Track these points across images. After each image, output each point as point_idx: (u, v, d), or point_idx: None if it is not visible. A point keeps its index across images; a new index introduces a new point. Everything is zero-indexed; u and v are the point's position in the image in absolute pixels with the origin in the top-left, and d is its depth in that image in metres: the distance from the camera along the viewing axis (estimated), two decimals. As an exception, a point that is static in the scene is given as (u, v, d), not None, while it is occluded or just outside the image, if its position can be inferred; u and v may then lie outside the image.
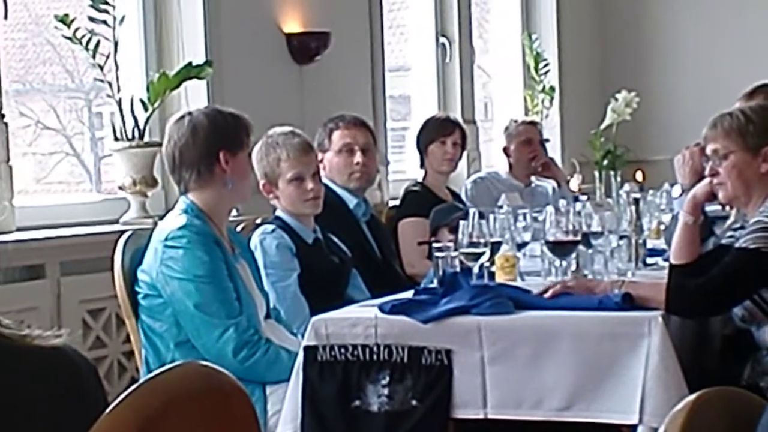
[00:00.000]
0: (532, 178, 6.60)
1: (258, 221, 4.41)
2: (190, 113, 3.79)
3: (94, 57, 4.89)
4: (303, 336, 3.57)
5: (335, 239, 4.52)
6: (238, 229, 4.31)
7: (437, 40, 7.70)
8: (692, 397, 1.26)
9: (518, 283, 3.85)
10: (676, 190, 4.82)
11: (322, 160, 4.89)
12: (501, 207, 4.37)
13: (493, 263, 3.89)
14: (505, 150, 6.61)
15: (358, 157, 4.96)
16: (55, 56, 6.56)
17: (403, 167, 7.47)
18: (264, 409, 3.61)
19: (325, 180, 4.67)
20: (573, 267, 3.89)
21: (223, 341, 3.57)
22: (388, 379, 3.40)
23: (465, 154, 6.18)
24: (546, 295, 3.43)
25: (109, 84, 4.96)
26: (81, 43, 4.86)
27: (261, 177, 4.32)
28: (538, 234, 4.02)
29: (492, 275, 3.86)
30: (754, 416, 1.27)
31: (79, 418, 1.21)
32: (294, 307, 4.12)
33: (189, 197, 3.73)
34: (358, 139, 4.99)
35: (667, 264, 3.78)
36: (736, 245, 3.45)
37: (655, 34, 9.36)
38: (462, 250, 3.72)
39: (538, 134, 6.67)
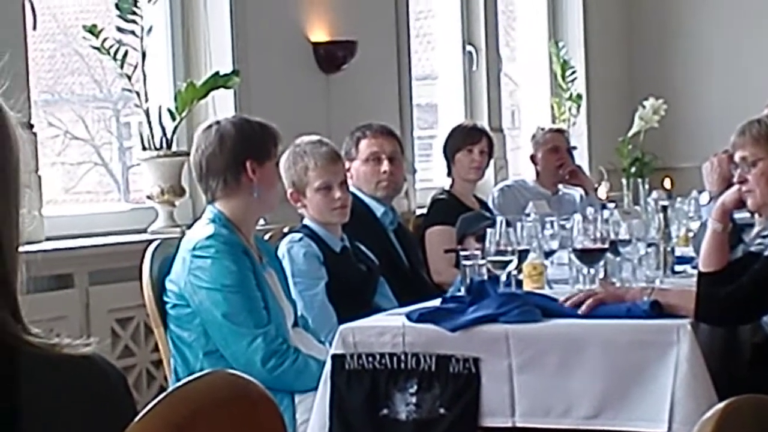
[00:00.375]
0: (560, 185, 6.59)
1: (285, 230, 4.42)
2: (218, 122, 3.80)
3: (122, 67, 4.91)
4: (331, 344, 3.57)
5: (363, 248, 4.52)
6: (266, 237, 4.31)
7: (464, 48, 7.69)
8: (721, 405, 1.25)
9: (546, 291, 3.84)
10: (704, 198, 4.81)
11: (349, 169, 4.89)
12: (528, 215, 4.37)
13: (520, 271, 3.88)
14: (532, 158, 6.60)
15: (385, 166, 4.96)
16: (84, 66, 6.59)
17: (430, 175, 7.46)
18: (292, 417, 3.61)
19: (352, 188, 4.67)
20: (601, 275, 3.88)
21: (251, 350, 3.58)
22: (415, 387, 3.40)
23: (492, 162, 6.17)
24: (581, 311, 3.40)
25: (137, 94, 4.98)
26: (109, 53, 4.88)
27: (288, 186, 4.32)
28: (566, 242, 4.01)
29: (519, 283, 3.85)
30: (784, 424, 1.26)
31: (109, 427, 1.21)
32: (321, 315, 4.13)
33: (216, 206, 3.74)
34: (385, 147, 5.00)
35: (695, 271, 3.76)
36: (766, 253, 3.43)
37: (682, 41, 9.33)
38: (489, 258, 3.72)
39: (565, 142, 6.66)
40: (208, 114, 5.10)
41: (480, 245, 3.93)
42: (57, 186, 6.60)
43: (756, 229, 3.93)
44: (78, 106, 7.01)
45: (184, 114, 5.02)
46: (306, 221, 4.36)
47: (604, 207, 4.70)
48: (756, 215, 3.92)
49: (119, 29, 4.95)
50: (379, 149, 4.99)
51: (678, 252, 4.58)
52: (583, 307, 3.41)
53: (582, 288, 3.69)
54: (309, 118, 5.81)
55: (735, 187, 3.62)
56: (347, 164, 4.83)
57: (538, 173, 6.58)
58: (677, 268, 4.38)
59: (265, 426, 1.23)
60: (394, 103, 6.75)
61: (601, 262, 3.86)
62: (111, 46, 4.89)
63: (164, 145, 5.04)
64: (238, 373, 1.22)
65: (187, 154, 4.53)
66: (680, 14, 9.36)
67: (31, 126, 4.55)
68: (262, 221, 4.50)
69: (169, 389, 1.15)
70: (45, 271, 4.33)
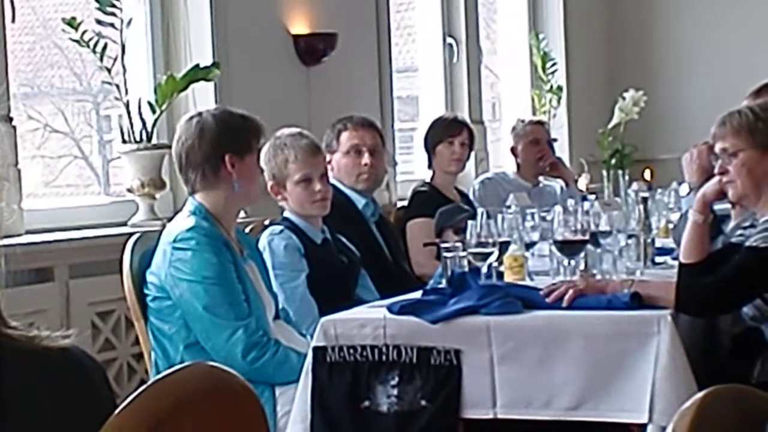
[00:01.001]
0: (540, 177, 6.60)
1: (266, 222, 4.41)
2: (200, 114, 3.79)
3: (101, 60, 4.89)
4: (312, 337, 3.58)
5: (344, 240, 4.52)
6: (247, 230, 4.31)
7: (444, 40, 7.69)
8: (700, 394, 1.25)
9: (527, 282, 3.85)
10: (684, 189, 4.82)
11: (330, 161, 4.89)
12: (509, 207, 4.37)
13: (501, 263, 3.89)
14: (513, 150, 6.61)
15: (366, 158, 4.96)
16: (63, 59, 6.57)
17: (411, 168, 7.47)
18: (273, 410, 3.61)
19: (333, 181, 4.67)
20: (581, 266, 3.89)
21: (232, 343, 3.58)
22: (397, 379, 3.40)
23: (473, 154, 6.17)
24: (564, 304, 3.41)
25: (117, 87, 4.96)
26: (88, 46, 4.86)
27: (269, 178, 4.31)
28: (547, 234, 4.02)
29: (500, 275, 3.86)
30: (764, 414, 1.27)
31: (88, 420, 1.21)
32: (303, 308, 4.12)
33: (197, 198, 3.73)
34: (366, 140, 4.99)
35: (676, 263, 3.77)
36: (747, 244, 3.44)
37: (662, 32, 9.35)
38: (470, 250, 3.72)
39: (545, 134, 6.67)
40: (189, 107, 5.09)
41: (458, 238, 3.93)
42: (37, 179, 6.59)
43: (736, 220, 3.94)
44: (58, 99, 6.99)
45: (164, 107, 5.01)
46: (286, 213, 4.36)
47: (584, 199, 4.72)
48: (736, 206, 3.93)
49: (99, 22, 4.93)
50: (360, 142, 4.99)
51: (658, 243, 4.59)
52: (564, 302, 3.41)
53: (563, 279, 3.69)
54: (289, 110, 5.80)
55: (715, 179, 3.63)
56: (328, 156, 4.83)
57: (518, 165, 6.59)
58: (657, 259, 4.40)
59: (246, 418, 1.23)
60: (374, 95, 6.75)
61: (582, 254, 3.87)
62: (90, 39, 4.87)
63: (144, 138, 5.03)
64: (219, 365, 1.22)
65: (168, 147, 4.52)
66: (660, 7, 9.38)
67: (11, 119, 4.53)
68: (242, 214, 4.50)
69: (150, 382, 1.15)
70: (25, 265, 4.32)
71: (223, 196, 3.72)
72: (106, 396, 1.26)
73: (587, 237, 3.81)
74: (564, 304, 3.40)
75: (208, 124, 3.73)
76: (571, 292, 3.42)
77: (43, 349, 1.23)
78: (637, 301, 3.35)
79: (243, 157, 3.73)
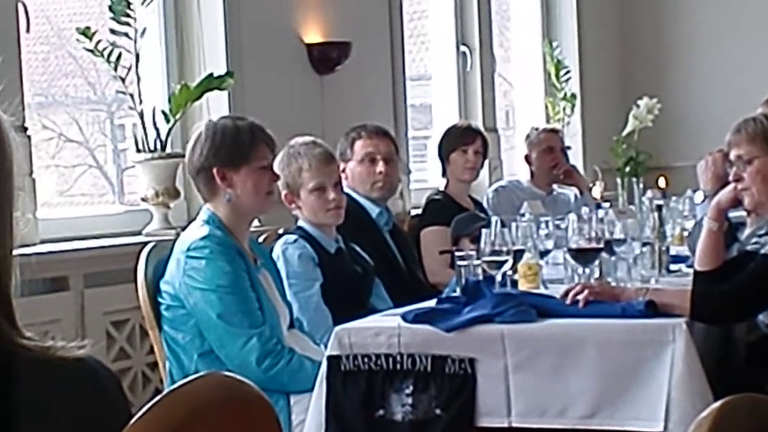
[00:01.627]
0: (554, 185, 6.59)
1: (280, 231, 4.41)
2: (208, 122, 3.82)
3: (115, 69, 4.90)
4: (326, 346, 3.57)
5: (358, 249, 4.52)
6: (261, 239, 4.31)
7: (458, 48, 7.70)
8: (717, 404, 1.25)
9: (541, 290, 3.84)
10: (699, 196, 4.81)
11: (344, 170, 4.89)
12: (523, 215, 4.37)
13: (515, 271, 3.88)
14: (527, 158, 6.61)
15: (380, 167, 4.95)
16: (77, 69, 6.59)
17: (425, 176, 7.46)
18: (288, 418, 3.62)
19: (347, 189, 4.67)
20: (596, 274, 3.88)
21: (246, 351, 3.58)
22: (411, 388, 3.40)
23: (486, 162, 6.17)
24: (580, 305, 3.40)
25: (131, 96, 4.98)
26: (103, 56, 4.87)
27: (283, 187, 4.31)
28: (561, 242, 4.01)
29: (515, 283, 3.85)
30: (781, 423, 1.26)
31: (103, 431, 1.21)
32: (317, 317, 4.12)
33: (210, 208, 3.74)
34: (381, 148, 4.99)
35: (690, 270, 3.77)
36: (762, 251, 3.43)
37: (676, 40, 9.34)
38: (484, 259, 3.72)
39: (559, 142, 6.66)
40: (203, 116, 5.09)
41: (474, 246, 3.93)
42: (51, 188, 6.60)
43: (751, 228, 3.93)
44: (72, 109, 7.01)
45: (178, 116, 5.02)
46: (300, 222, 4.36)
47: (598, 206, 4.71)
48: (752, 214, 3.92)
49: (113, 31, 4.94)
50: (375, 150, 4.98)
51: (673, 251, 4.58)
52: (581, 302, 3.40)
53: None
54: (303, 119, 5.80)
55: (730, 186, 3.62)
56: (342, 165, 4.83)
57: (532, 173, 6.58)
58: (672, 267, 4.39)
59: (260, 428, 1.23)
60: (388, 103, 6.75)
61: (596, 262, 3.86)
62: (104, 49, 4.88)
63: (158, 147, 5.04)
64: (233, 375, 1.22)
65: (182, 156, 4.52)
66: (674, 13, 9.36)
67: (25, 129, 4.54)
68: (256, 223, 4.50)
69: (165, 392, 1.15)
70: (40, 274, 4.33)
71: (225, 206, 3.72)
72: (121, 406, 1.26)
73: (602, 245, 3.80)
74: (580, 305, 3.39)
75: (202, 136, 3.76)
76: (586, 291, 3.42)
77: (58, 359, 1.23)
78: (651, 310, 3.34)
79: (238, 168, 3.71)
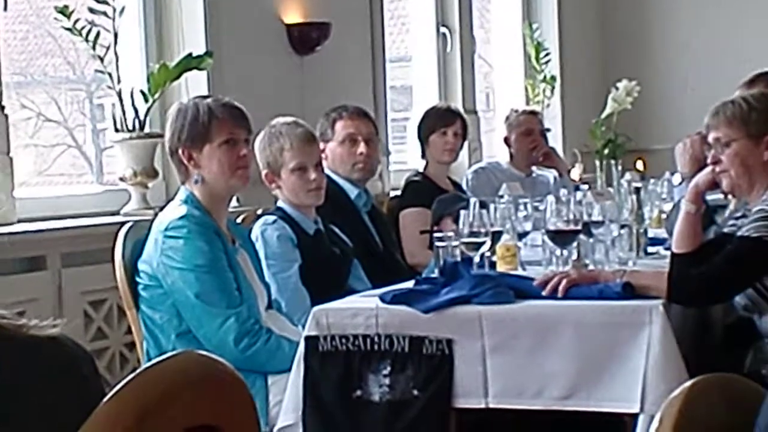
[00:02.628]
0: (533, 167, 6.60)
1: (259, 212, 4.41)
2: (179, 103, 3.83)
3: (94, 48, 4.88)
4: (304, 326, 3.57)
5: (336, 230, 4.52)
6: (239, 220, 4.31)
7: (438, 30, 7.69)
8: (688, 383, 1.26)
9: (519, 272, 3.85)
10: (677, 179, 4.82)
11: (324, 150, 4.88)
12: (502, 197, 4.38)
13: (493, 253, 3.89)
14: (506, 140, 6.61)
15: (361, 148, 4.95)
16: (56, 48, 6.56)
17: (405, 157, 7.47)
18: (266, 399, 3.62)
19: (326, 170, 4.67)
20: (574, 256, 3.88)
21: (223, 331, 3.58)
22: (389, 368, 3.40)
23: (466, 144, 6.17)
24: (559, 294, 3.40)
25: (110, 75, 4.96)
26: (81, 35, 4.85)
27: (263, 167, 4.31)
28: (539, 223, 4.02)
29: (493, 265, 3.86)
30: (752, 403, 1.27)
31: (77, 408, 1.20)
32: (295, 298, 4.12)
33: (188, 188, 3.73)
34: (361, 129, 4.99)
35: (668, 253, 3.78)
36: (739, 234, 3.44)
37: (655, 22, 9.35)
38: (463, 240, 3.72)
39: (538, 124, 6.66)
40: (181, 95, 5.07)
41: (456, 227, 3.93)
42: (30, 168, 6.58)
43: (728, 211, 3.95)
44: (51, 88, 6.98)
45: (156, 96, 5.00)
46: (280, 203, 4.35)
47: (577, 189, 4.71)
48: (729, 196, 3.94)
49: (91, 10, 4.92)
50: (356, 131, 4.98)
51: (651, 233, 4.59)
52: (559, 292, 3.40)
53: (555, 269, 3.69)
54: (283, 99, 5.79)
55: (708, 168, 3.63)
56: (322, 145, 4.82)
57: (511, 155, 6.58)
58: (650, 249, 4.40)
59: (234, 405, 1.23)
60: (368, 85, 6.75)
61: (574, 244, 3.86)
62: (83, 28, 4.86)
63: (137, 126, 5.02)
64: (208, 354, 1.22)
65: (160, 136, 4.52)
66: (654, -4, 9.38)
67: (3, 108, 4.53)
68: (235, 203, 4.50)
69: (138, 370, 1.15)
70: (17, 254, 4.32)
71: (198, 187, 3.72)
72: (94, 384, 1.25)
73: (580, 227, 3.80)
74: (559, 294, 3.40)
75: (170, 117, 3.76)
76: (564, 282, 3.41)
77: (31, 337, 1.23)
78: (629, 291, 3.35)
79: (201, 148, 3.70)
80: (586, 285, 3.44)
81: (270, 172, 4.32)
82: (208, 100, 3.77)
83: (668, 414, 1.20)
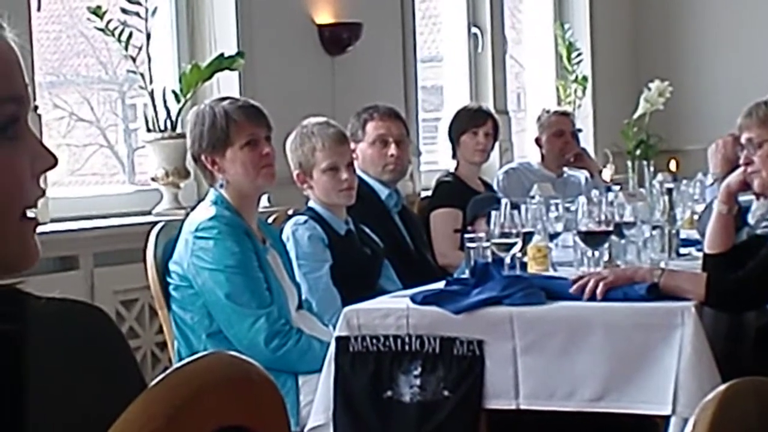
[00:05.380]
0: (565, 168, 6.58)
1: (290, 212, 4.42)
2: (196, 108, 3.86)
3: (126, 49, 4.90)
4: (335, 327, 3.58)
5: (367, 230, 4.52)
6: (270, 220, 4.31)
7: (469, 30, 7.68)
8: (722, 387, 1.25)
9: (550, 273, 3.84)
10: (709, 180, 4.80)
11: (354, 151, 4.89)
12: (533, 197, 4.37)
13: (525, 254, 3.88)
14: (537, 141, 6.60)
15: (392, 149, 4.95)
16: (89, 48, 6.59)
17: (435, 158, 7.46)
18: (296, 399, 3.62)
19: (357, 171, 4.67)
20: (605, 257, 3.87)
21: (254, 331, 3.58)
22: (419, 369, 3.40)
23: (497, 144, 6.16)
24: (598, 298, 3.37)
25: (142, 76, 4.98)
26: (114, 35, 4.87)
27: (295, 167, 4.31)
28: (571, 224, 4.01)
29: (524, 266, 3.85)
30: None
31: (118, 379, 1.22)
32: (326, 298, 4.12)
33: (218, 188, 3.74)
34: (392, 130, 4.98)
35: (700, 254, 3.76)
36: (772, 236, 3.42)
37: (688, 23, 9.31)
38: (494, 241, 3.72)
39: (570, 125, 6.65)
40: (213, 96, 5.07)
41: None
42: (62, 168, 6.60)
43: (761, 212, 3.92)
44: (83, 88, 7.01)
45: (188, 96, 5.02)
46: (311, 203, 4.36)
47: (608, 189, 4.70)
48: (760, 197, 3.91)
49: (124, 10, 4.94)
50: (387, 132, 4.97)
51: (683, 234, 4.57)
52: (598, 296, 3.37)
53: (586, 270, 3.68)
54: (314, 100, 5.80)
55: (740, 169, 3.61)
56: (353, 146, 4.83)
57: (543, 156, 6.57)
58: (682, 250, 4.38)
59: (265, 408, 1.23)
60: (399, 85, 6.74)
61: (606, 245, 3.85)
62: (116, 28, 4.88)
63: (169, 127, 5.04)
64: (238, 354, 1.22)
65: (192, 136, 4.52)
66: (687, -4, 9.34)
67: (36, 108, 4.55)
68: (266, 203, 4.50)
69: (168, 371, 1.15)
70: (50, 253, 4.34)
71: (228, 189, 3.73)
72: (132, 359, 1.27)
73: (611, 228, 3.79)
74: (598, 297, 3.37)
75: (189, 125, 3.79)
76: (601, 285, 3.39)
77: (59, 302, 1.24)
78: (654, 293, 3.33)
79: (223, 152, 3.71)
80: (622, 285, 3.41)
81: (301, 172, 4.32)
82: (224, 103, 3.76)
83: (702, 418, 1.19)
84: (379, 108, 5.05)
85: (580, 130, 6.87)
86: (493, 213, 3.78)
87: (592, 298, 3.38)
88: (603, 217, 3.76)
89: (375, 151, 4.95)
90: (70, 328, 1.22)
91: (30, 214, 1.29)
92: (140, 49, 4.95)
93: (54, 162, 1.31)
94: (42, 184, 1.31)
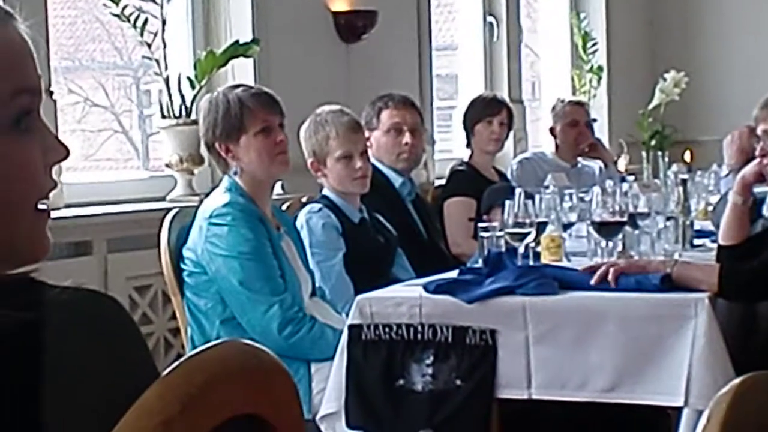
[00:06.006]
0: (579, 158, 6.57)
1: (304, 200, 4.42)
2: (209, 95, 3.86)
3: (141, 35, 4.91)
4: (347, 315, 3.58)
5: (381, 219, 4.52)
6: (284, 207, 4.31)
7: (485, 18, 7.67)
8: (737, 381, 1.24)
9: (564, 263, 3.84)
10: (724, 171, 4.80)
11: (369, 139, 4.89)
12: (547, 187, 4.36)
13: (538, 243, 3.88)
14: (552, 130, 6.59)
15: (407, 138, 4.94)
16: (104, 33, 6.60)
17: (450, 146, 7.46)
18: (309, 386, 3.62)
19: (371, 159, 4.66)
20: (619, 248, 3.87)
21: (268, 318, 3.59)
22: (432, 358, 3.40)
23: (511, 133, 6.15)
24: (611, 284, 3.36)
25: (157, 62, 4.98)
26: (129, 21, 4.88)
27: (309, 155, 4.31)
28: (585, 214, 4.00)
29: (537, 255, 3.85)
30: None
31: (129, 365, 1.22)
32: (339, 287, 4.13)
33: (232, 175, 3.74)
34: (407, 119, 4.98)
35: (714, 245, 3.75)
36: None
37: (704, 13, 9.28)
38: (507, 230, 3.72)
39: (585, 115, 6.64)
40: (228, 82, 5.08)
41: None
42: (77, 153, 6.61)
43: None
44: (98, 74, 7.02)
45: (203, 82, 5.02)
46: (325, 191, 4.36)
47: (623, 180, 4.69)
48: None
49: (139, -4, 4.95)
50: (402, 120, 4.97)
51: (697, 225, 4.57)
52: (611, 282, 3.37)
53: (600, 261, 3.67)
54: (328, 87, 5.80)
55: (756, 161, 3.60)
56: (367, 134, 4.83)
57: (557, 146, 6.56)
58: (696, 241, 4.37)
59: (278, 396, 1.23)
60: (413, 73, 6.74)
61: (620, 235, 3.85)
62: (131, 14, 4.88)
63: (183, 113, 5.04)
64: (252, 343, 1.22)
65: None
66: (703, -14, 9.31)
67: (51, 92, 4.55)
68: (280, 190, 4.50)
69: (182, 358, 1.15)
70: (63, 238, 4.35)
71: (242, 176, 3.73)
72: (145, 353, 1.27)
73: (625, 218, 3.79)
74: (611, 284, 3.36)
75: (203, 112, 3.79)
76: (612, 271, 3.38)
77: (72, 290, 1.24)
78: (667, 284, 3.32)
79: (237, 139, 3.72)
80: (633, 274, 3.41)
81: (315, 160, 4.32)
82: (237, 90, 3.77)
83: (716, 412, 1.19)
84: (394, 96, 5.05)
85: (594, 120, 6.86)
86: (507, 202, 3.77)
87: (605, 286, 3.37)
88: (617, 208, 3.76)
89: (389, 139, 4.95)
90: (84, 317, 1.22)
91: (42, 206, 1.29)
92: (155, 35, 4.95)
93: (66, 154, 1.31)
94: (54, 176, 1.31)
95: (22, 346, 1.15)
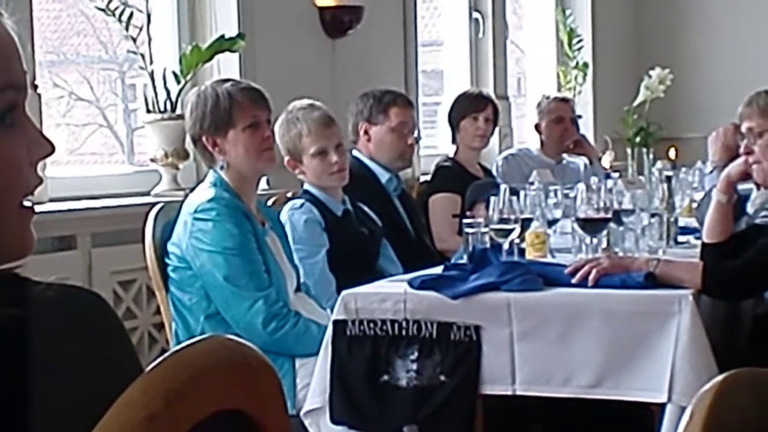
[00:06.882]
0: (564, 154, 6.58)
1: (289, 195, 4.41)
2: (197, 89, 3.84)
3: (127, 29, 4.89)
4: (332, 310, 3.58)
5: (366, 209, 4.51)
6: (269, 202, 4.31)
7: (470, 14, 7.67)
8: (721, 377, 1.25)
9: (548, 259, 3.84)
10: (708, 168, 4.80)
11: (366, 131, 4.88)
12: (532, 183, 4.36)
13: (523, 240, 3.88)
14: (537, 127, 6.59)
15: (411, 138, 4.97)
16: (89, 28, 6.58)
17: (435, 142, 7.46)
18: (293, 382, 3.62)
19: (356, 154, 4.66)
20: (603, 244, 3.87)
21: (252, 313, 3.58)
22: (416, 354, 3.40)
23: (497, 130, 6.16)
24: (589, 284, 3.37)
25: (142, 56, 4.97)
26: (114, 15, 4.86)
27: (285, 153, 4.30)
28: (569, 211, 4.01)
29: (522, 252, 3.85)
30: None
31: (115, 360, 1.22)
32: (321, 283, 4.12)
33: (217, 170, 3.74)
34: (412, 119, 5.01)
35: (698, 242, 3.76)
36: (771, 225, 3.42)
37: (689, 10, 9.30)
38: (492, 227, 3.72)
39: (570, 111, 6.64)
40: (213, 77, 5.06)
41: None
42: (61, 147, 6.60)
43: (760, 201, 3.92)
44: (83, 68, 7.00)
45: (189, 77, 5.01)
46: (306, 186, 4.35)
47: (608, 176, 4.71)
48: (761, 187, 3.91)
49: (124, -9, 4.93)
50: (410, 121, 4.99)
51: (681, 222, 4.58)
52: (590, 281, 3.38)
53: (584, 257, 3.68)
54: (314, 82, 5.79)
55: (741, 159, 3.61)
56: (365, 127, 4.82)
57: (542, 142, 6.57)
58: (680, 238, 4.38)
59: (262, 391, 1.23)
60: (399, 68, 6.73)
61: (604, 232, 3.85)
62: (116, 8, 4.87)
63: (169, 108, 5.03)
64: (236, 338, 1.22)
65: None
66: (689, -16, 9.33)
67: (36, 87, 4.54)
68: (265, 186, 4.49)
69: (166, 354, 1.15)
70: (47, 233, 4.34)
71: (228, 171, 3.73)
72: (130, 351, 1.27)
73: (610, 215, 3.79)
74: (590, 284, 3.38)
75: (190, 105, 3.78)
76: (594, 272, 3.39)
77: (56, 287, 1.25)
78: (651, 281, 3.33)
79: (225, 133, 3.71)
80: (617, 273, 3.42)
81: (291, 158, 4.30)
82: (227, 84, 3.76)
83: (699, 408, 1.19)
84: (401, 94, 5.06)
85: (579, 117, 6.87)
86: (492, 199, 3.77)
87: (586, 283, 3.38)
88: (602, 204, 3.77)
89: (395, 138, 4.94)
90: (69, 313, 1.22)
91: (27, 202, 1.28)
92: (141, 29, 4.94)
93: (51, 150, 1.30)
94: (39, 172, 1.31)
95: (7, 343, 1.15)
